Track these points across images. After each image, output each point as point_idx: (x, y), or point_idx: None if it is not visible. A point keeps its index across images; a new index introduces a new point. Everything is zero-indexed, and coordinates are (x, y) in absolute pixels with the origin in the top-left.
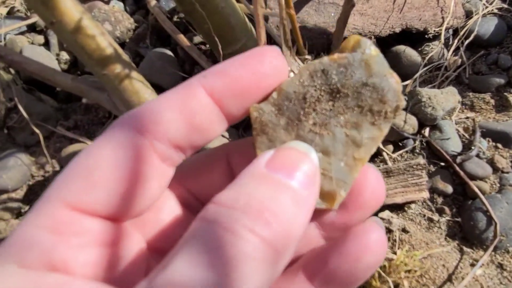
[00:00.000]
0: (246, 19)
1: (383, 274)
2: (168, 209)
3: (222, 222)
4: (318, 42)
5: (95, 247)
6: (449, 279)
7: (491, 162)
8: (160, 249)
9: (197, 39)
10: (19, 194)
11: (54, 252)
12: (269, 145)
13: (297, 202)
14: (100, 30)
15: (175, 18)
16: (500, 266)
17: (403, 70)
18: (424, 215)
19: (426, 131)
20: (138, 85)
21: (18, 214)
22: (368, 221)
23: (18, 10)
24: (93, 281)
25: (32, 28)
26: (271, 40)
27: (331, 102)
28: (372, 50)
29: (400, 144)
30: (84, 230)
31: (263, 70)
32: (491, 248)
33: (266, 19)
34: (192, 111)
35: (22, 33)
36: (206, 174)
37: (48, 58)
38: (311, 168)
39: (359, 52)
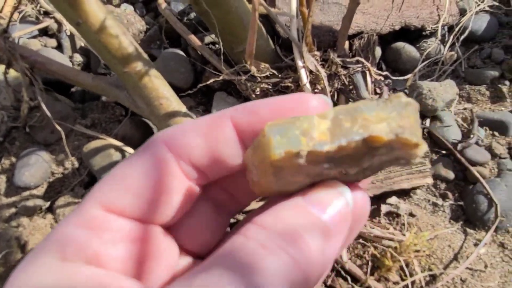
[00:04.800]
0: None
1: (394, 254)
2: (201, 213)
3: (260, 239)
4: (325, 39)
5: (125, 244)
6: (455, 258)
7: (489, 148)
8: (192, 251)
9: (208, 39)
10: (40, 191)
11: (88, 246)
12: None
13: (325, 235)
14: (122, 29)
15: (184, 20)
16: (502, 245)
17: (403, 65)
18: (429, 200)
19: (427, 122)
20: (157, 82)
21: (40, 210)
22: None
23: (29, 15)
24: (123, 275)
25: (44, 32)
26: (279, 39)
27: None
28: None
29: None
30: (115, 228)
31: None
32: (493, 228)
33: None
34: (216, 141)
35: (34, 37)
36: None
37: (62, 60)
38: (343, 207)
39: None
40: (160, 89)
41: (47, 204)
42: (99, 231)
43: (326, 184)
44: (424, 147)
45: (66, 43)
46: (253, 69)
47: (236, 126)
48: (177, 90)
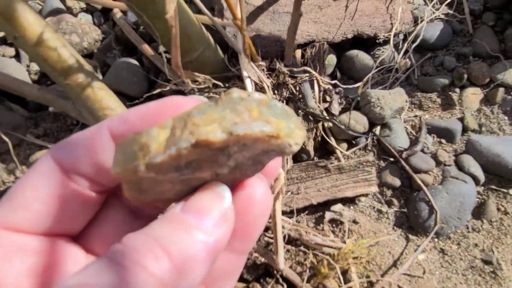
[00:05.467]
0: (204, 29)
1: (331, 261)
2: (113, 219)
3: (120, 260)
4: (272, 50)
5: (24, 258)
6: (394, 264)
7: (434, 156)
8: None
9: (162, 48)
10: None
11: None
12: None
13: (199, 239)
14: (62, 42)
15: (141, 29)
16: (442, 251)
17: (357, 73)
18: (374, 207)
19: (377, 130)
20: (101, 93)
21: None
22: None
23: None
24: None
25: (3, 41)
26: (228, 48)
27: None
28: None
29: (353, 142)
30: (10, 244)
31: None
32: (431, 235)
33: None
34: (96, 151)
35: None
36: None
37: (19, 70)
38: (222, 207)
39: None
40: (104, 100)
41: None
42: None
43: (206, 187)
44: (297, 136)
45: (24, 52)
46: (187, 81)
47: (112, 135)
48: (131, 99)
